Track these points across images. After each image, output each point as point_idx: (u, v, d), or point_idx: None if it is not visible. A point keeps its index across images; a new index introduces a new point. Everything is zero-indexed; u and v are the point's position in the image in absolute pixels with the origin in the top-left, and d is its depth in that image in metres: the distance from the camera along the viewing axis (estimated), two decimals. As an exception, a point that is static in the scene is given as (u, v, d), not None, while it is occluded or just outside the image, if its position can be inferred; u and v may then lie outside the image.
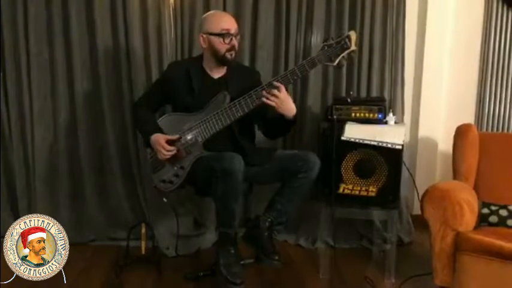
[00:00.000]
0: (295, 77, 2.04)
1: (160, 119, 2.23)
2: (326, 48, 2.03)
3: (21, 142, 2.78)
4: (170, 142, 2.11)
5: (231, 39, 2.12)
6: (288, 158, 2.15)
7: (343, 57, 2.03)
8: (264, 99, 2.01)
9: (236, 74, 2.22)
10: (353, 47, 2.03)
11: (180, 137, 2.10)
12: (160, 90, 2.28)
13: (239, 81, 2.19)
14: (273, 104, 2.01)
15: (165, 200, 2.30)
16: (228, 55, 2.14)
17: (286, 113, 2.05)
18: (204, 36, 2.14)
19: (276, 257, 2.07)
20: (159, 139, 2.11)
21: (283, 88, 2.01)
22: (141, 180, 2.82)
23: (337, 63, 2.04)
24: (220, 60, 2.17)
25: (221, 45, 2.12)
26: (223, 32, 2.10)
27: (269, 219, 2.13)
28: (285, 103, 2.03)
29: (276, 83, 2.01)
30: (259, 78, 2.33)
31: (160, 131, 2.16)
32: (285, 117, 2.06)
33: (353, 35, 2.03)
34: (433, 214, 2.04)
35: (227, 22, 2.12)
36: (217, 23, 2.11)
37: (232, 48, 2.13)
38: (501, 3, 2.85)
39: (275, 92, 2.00)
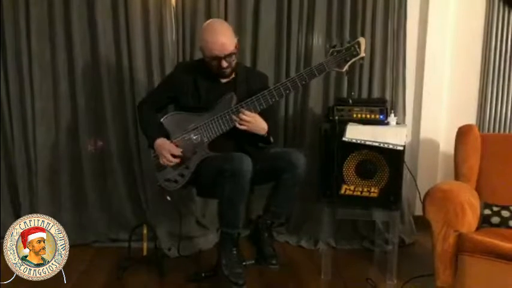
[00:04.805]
0: (304, 82, 2.04)
1: (165, 117, 2.19)
2: (335, 54, 2.01)
3: (23, 143, 2.78)
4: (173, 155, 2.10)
5: (220, 62, 2.06)
6: (273, 159, 2.12)
7: (351, 63, 2.02)
8: (237, 125, 2.03)
9: (244, 77, 2.20)
10: (362, 54, 2.01)
11: (183, 155, 2.10)
12: (167, 91, 2.25)
13: (247, 84, 2.19)
14: (245, 128, 2.04)
15: (169, 198, 2.27)
16: (218, 73, 2.13)
17: (259, 132, 2.08)
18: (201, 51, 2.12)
19: (274, 261, 2.07)
20: (163, 145, 2.10)
21: (248, 112, 2.03)
22: (143, 182, 2.82)
23: (345, 70, 2.03)
24: (215, 74, 2.16)
25: (211, 66, 2.10)
26: (213, 58, 2.05)
27: (267, 221, 2.13)
28: (256, 125, 2.05)
29: (241, 109, 2.03)
30: (266, 82, 2.32)
31: (165, 133, 2.15)
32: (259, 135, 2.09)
33: (362, 42, 2.01)
34: (434, 215, 2.04)
35: (218, 50, 2.02)
36: (209, 49, 2.04)
37: (221, 69, 2.09)
38: (502, 5, 2.85)
39: (245, 117, 2.02)
